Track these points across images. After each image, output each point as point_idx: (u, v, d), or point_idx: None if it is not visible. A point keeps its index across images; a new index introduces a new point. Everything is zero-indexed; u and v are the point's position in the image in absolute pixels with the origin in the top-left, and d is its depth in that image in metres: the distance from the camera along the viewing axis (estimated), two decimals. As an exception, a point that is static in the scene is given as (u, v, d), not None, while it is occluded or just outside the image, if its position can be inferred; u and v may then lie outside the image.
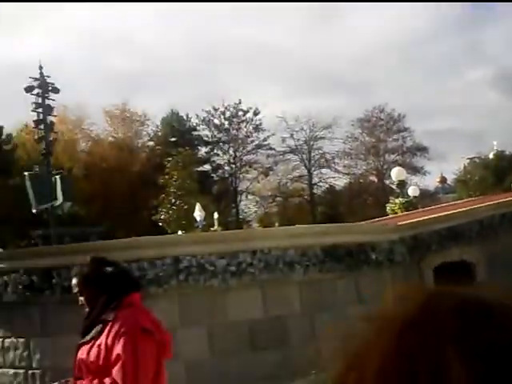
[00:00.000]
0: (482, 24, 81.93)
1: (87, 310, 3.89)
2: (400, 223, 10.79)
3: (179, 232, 24.81)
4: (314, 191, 60.28)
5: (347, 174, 60.07)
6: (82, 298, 3.91)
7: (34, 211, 27.56)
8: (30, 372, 8.14)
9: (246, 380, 7.49)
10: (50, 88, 28.48)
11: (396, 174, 22.43)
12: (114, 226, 43.89)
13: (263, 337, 7.91)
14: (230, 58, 78.56)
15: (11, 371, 8.29)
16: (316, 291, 8.35)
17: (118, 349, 3.58)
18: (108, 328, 3.67)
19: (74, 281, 3.97)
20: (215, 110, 59.21)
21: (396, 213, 19.26)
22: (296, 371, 6.95)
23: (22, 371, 8.20)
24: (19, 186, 40.62)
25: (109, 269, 3.87)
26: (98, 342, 3.70)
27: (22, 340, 8.18)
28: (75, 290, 3.96)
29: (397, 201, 20.40)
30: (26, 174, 27.93)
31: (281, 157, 59.27)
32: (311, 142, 58.92)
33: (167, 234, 29.37)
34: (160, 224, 41.12)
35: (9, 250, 15.58)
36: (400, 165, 36.49)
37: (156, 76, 76.13)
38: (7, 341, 8.33)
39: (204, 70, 75.72)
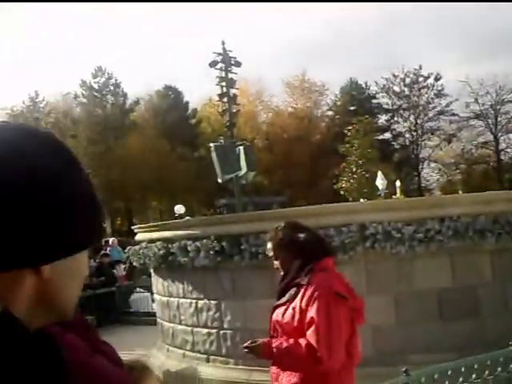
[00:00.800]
0: None
1: (282, 273, 3.97)
2: None
3: (361, 200, 24.65)
4: (501, 157, 57.46)
5: (538, 139, 56.68)
6: (276, 262, 3.99)
7: (219, 181, 28.56)
8: (221, 332, 8.52)
9: (434, 350, 7.34)
10: (232, 62, 29.24)
11: None
12: (295, 195, 44.63)
13: (452, 306, 7.68)
14: (409, 24, 76.45)
15: (204, 330, 8.73)
16: (509, 260, 7.97)
17: (311, 312, 3.64)
18: (302, 291, 3.73)
19: (269, 245, 4.06)
20: (395, 76, 58.13)
21: None
22: (488, 342, 6.70)
23: (214, 331, 8.59)
24: (203, 157, 42.46)
25: (302, 234, 3.92)
26: (292, 305, 3.77)
27: (213, 302, 8.57)
28: (269, 254, 4.05)
29: None
30: (211, 145, 28.90)
31: (464, 122, 57.03)
32: (498, 106, 56.06)
33: (349, 202, 29.34)
34: (341, 193, 41.23)
35: (198, 217, 16.33)
36: None
37: (334, 46, 75.92)
38: (200, 302, 8.76)
39: (382, 38, 74.31)
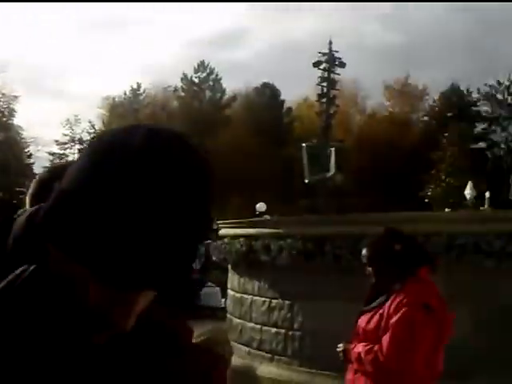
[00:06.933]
0: None
1: (373, 280, 3.93)
2: None
3: (446, 210, 23.92)
4: None
5: None
6: (369, 269, 3.95)
7: (306, 181, 28.42)
8: (290, 333, 8.49)
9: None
10: (336, 63, 29.00)
11: None
12: (381, 199, 43.86)
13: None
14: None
15: (273, 330, 8.73)
16: None
17: (393, 319, 3.59)
18: (392, 299, 3.70)
19: (364, 252, 4.04)
20: (499, 84, 55.96)
21: None
22: None
23: (282, 331, 8.59)
24: (290, 156, 42.25)
25: (401, 243, 3.86)
26: (380, 311, 3.74)
27: (287, 302, 8.54)
28: (364, 260, 4.02)
29: None
30: (303, 145, 28.77)
31: None
32: None
33: (432, 211, 28.50)
34: (426, 200, 40.29)
35: (285, 217, 16.09)
36: None
37: (436, 50, 74.37)
38: (274, 301, 8.75)
39: (487, 42, 72.33)
